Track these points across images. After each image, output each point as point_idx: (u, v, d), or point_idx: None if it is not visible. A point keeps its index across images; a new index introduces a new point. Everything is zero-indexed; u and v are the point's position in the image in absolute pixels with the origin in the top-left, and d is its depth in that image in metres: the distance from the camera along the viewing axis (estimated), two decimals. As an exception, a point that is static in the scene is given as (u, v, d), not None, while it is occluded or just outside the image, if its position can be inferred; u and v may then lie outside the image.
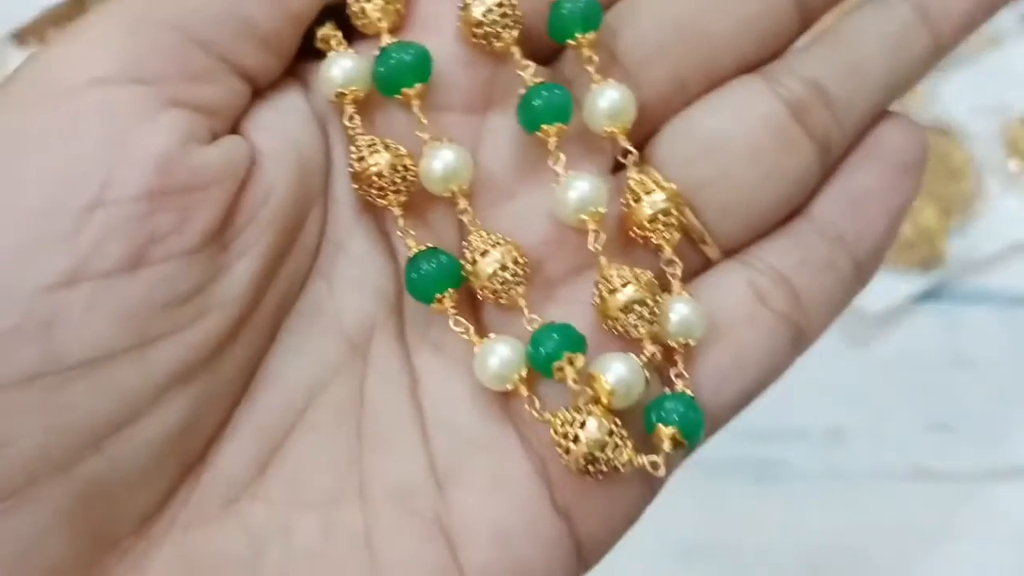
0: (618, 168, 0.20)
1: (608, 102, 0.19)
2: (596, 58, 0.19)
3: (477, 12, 0.18)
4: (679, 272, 0.19)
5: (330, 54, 0.19)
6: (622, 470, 0.17)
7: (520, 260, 0.18)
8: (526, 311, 0.18)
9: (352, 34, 0.20)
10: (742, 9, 0.19)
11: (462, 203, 0.18)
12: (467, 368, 0.19)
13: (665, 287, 0.19)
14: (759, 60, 0.20)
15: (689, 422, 0.17)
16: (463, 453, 0.19)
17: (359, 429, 0.19)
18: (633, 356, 0.18)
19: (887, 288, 0.43)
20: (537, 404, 0.18)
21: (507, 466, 0.18)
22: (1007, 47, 0.52)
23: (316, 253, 0.19)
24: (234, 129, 0.19)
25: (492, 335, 0.18)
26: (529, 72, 0.19)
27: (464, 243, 0.18)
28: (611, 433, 0.17)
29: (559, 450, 0.17)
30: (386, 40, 0.19)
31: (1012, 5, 0.54)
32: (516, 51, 0.19)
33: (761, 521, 0.37)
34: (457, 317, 0.18)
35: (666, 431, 0.17)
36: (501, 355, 0.18)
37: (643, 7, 0.20)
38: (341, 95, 0.18)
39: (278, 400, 0.18)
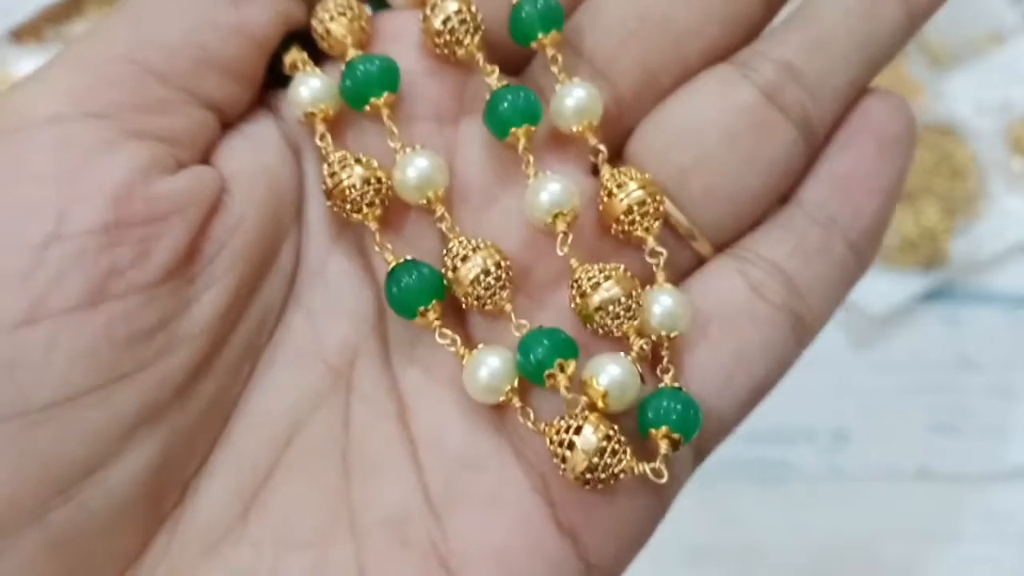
0: (597, 171, 0.20)
1: (574, 100, 0.18)
2: (560, 57, 0.19)
3: (437, 22, 0.18)
4: (662, 262, 0.19)
5: (297, 75, 0.18)
6: (622, 477, 0.16)
7: (503, 263, 0.17)
8: (513, 317, 0.18)
9: (320, 58, 0.19)
10: None
11: (439, 210, 0.18)
12: (456, 385, 0.18)
13: (652, 280, 0.19)
14: (728, 48, 0.20)
15: (680, 416, 0.16)
16: (457, 476, 0.17)
17: (345, 460, 0.18)
18: (624, 356, 0.17)
19: (890, 288, 0.43)
20: (531, 415, 0.17)
21: (504, 486, 0.17)
22: (1011, 46, 0.52)
23: (292, 281, 0.19)
24: (204, 159, 0.18)
25: (480, 346, 0.17)
26: (494, 77, 0.19)
27: (444, 251, 0.18)
28: (608, 438, 0.16)
29: (556, 460, 0.16)
30: (352, 55, 0.18)
31: (1016, 3, 0.54)
32: (480, 56, 0.18)
33: (766, 522, 0.37)
34: (442, 330, 0.18)
35: (659, 432, 0.16)
36: (490, 366, 0.17)
37: (607, 3, 0.19)
38: (311, 115, 0.18)
39: (258, 436, 0.18)
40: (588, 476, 0.16)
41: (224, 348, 0.18)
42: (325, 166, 0.18)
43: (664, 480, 0.16)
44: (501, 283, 0.17)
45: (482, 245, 0.17)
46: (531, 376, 0.17)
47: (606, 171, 0.19)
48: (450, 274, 0.17)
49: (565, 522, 0.17)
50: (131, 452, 0.16)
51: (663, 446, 0.16)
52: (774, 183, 0.19)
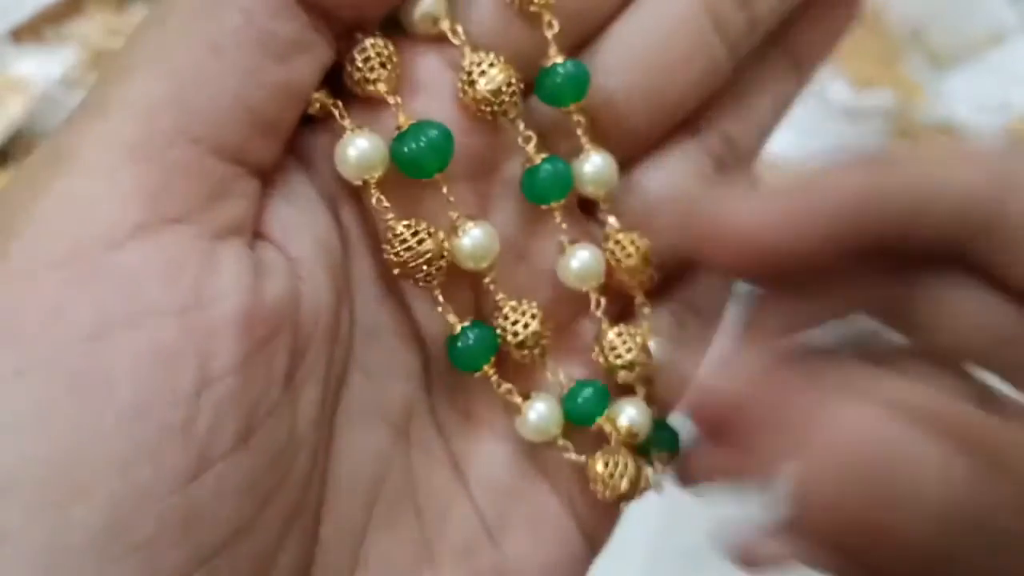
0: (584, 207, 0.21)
1: (592, 167, 0.20)
2: (584, 121, 0.19)
3: (484, 90, 0.18)
4: (647, 313, 0.21)
5: (346, 137, 0.18)
6: (639, 496, 0.20)
7: (546, 327, 0.19)
8: (558, 373, 0.20)
9: (339, 94, 0.19)
10: None
11: (489, 277, 0.19)
12: (495, 426, 0.20)
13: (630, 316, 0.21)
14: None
15: (672, 443, 0.20)
16: (506, 506, 0.20)
17: (416, 507, 0.19)
18: (639, 400, 0.20)
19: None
20: (571, 448, 0.20)
21: (544, 509, 0.20)
22: (1009, 46, 0.52)
23: (350, 344, 0.18)
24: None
25: (533, 395, 0.20)
26: (531, 146, 0.19)
27: (498, 314, 0.19)
28: (638, 469, 0.20)
29: (600, 487, 0.19)
30: (402, 120, 0.18)
31: (1015, 3, 0.54)
32: (520, 124, 0.19)
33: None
34: (501, 380, 0.19)
35: (660, 456, 0.20)
36: (539, 411, 0.19)
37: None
38: (366, 182, 0.18)
39: (349, 502, 0.18)
40: (625, 496, 0.20)
41: (320, 430, 0.18)
42: (392, 236, 0.18)
43: (662, 492, 0.20)
44: (545, 343, 0.19)
45: (535, 312, 0.19)
46: (580, 420, 0.20)
47: (612, 239, 0.20)
48: (510, 338, 0.19)
49: (588, 529, 0.20)
50: (286, 555, 0.16)
51: (659, 467, 0.20)
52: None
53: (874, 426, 0.14)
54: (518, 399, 0.19)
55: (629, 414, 0.20)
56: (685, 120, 0.20)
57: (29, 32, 0.51)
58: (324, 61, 0.17)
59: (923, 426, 0.14)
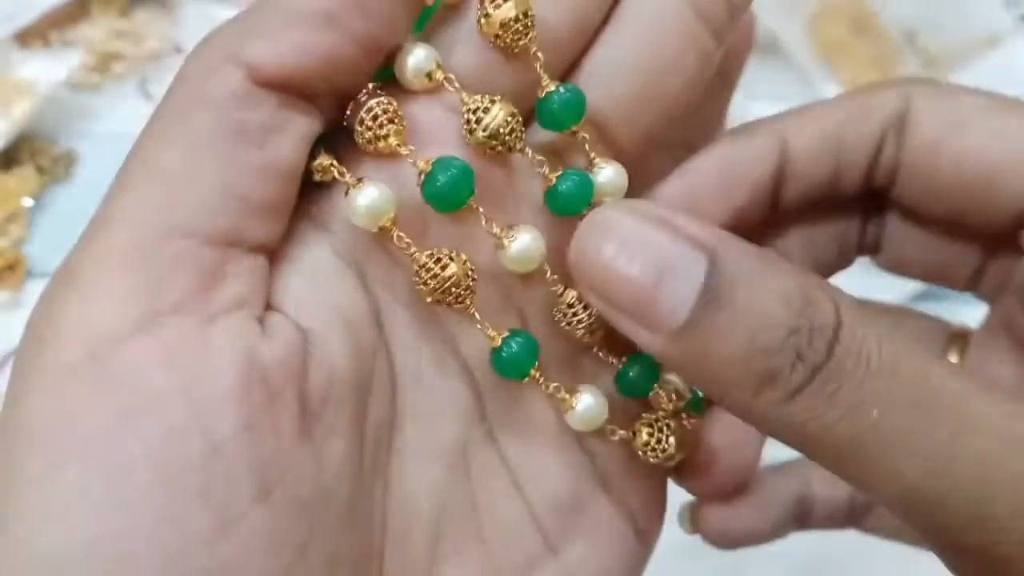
0: None
1: (606, 179, 0.20)
2: (587, 137, 0.20)
3: (491, 129, 0.19)
4: None
5: (352, 190, 0.18)
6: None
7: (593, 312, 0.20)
8: (608, 357, 0.21)
9: (337, 150, 0.19)
10: None
11: (549, 274, 0.20)
12: (550, 437, 0.21)
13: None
14: None
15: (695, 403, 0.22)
16: (565, 517, 0.21)
17: (480, 535, 0.20)
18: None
19: (886, 286, 0.44)
20: (615, 431, 0.21)
21: (599, 513, 0.21)
22: (1006, 47, 0.52)
23: (394, 392, 0.19)
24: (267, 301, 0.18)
25: (581, 387, 0.21)
26: (545, 168, 0.20)
27: (556, 309, 0.20)
28: (682, 427, 0.21)
29: (651, 453, 0.21)
30: (422, 164, 0.18)
31: (1011, 6, 0.54)
32: (529, 152, 0.19)
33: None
34: (548, 383, 0.20)
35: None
36: (587, 403, 0.20)
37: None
38: (385, 228, 0.18)
39: (412, 542, 0.19)
40: (674, 456, 0.21)
41: (359, 478, 0.18)
42: (418, 268, 0.18)
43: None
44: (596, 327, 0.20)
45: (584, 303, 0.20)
46: (635, 393, 0.21)
47: None
48: (569, 325, 0.20)
49: (640, 527, 0.21)
50: None
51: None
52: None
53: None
54: (566, 395, 0.20)
55: (674, 382, 0.21)
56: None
57: (35, 35, 0.51)
58: (307, 132, 0.18)
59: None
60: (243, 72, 0.17)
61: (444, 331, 0.20)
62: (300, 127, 0.17)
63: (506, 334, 0.19)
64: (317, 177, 0.18)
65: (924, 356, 0.17)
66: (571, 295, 0.20)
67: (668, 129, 0.21)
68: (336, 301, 0.18)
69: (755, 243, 0.23)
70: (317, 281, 0.18)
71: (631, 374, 0.21)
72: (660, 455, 0.21)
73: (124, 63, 0.51)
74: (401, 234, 0.18)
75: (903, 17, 0.54)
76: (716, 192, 0.22)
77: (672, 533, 0.34)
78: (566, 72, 0.20)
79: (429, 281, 0.18)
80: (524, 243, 0.19)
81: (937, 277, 0.25)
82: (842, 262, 0.25)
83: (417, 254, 0.18)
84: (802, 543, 0.37)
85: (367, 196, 0.18)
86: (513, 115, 0.19)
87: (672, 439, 0.21)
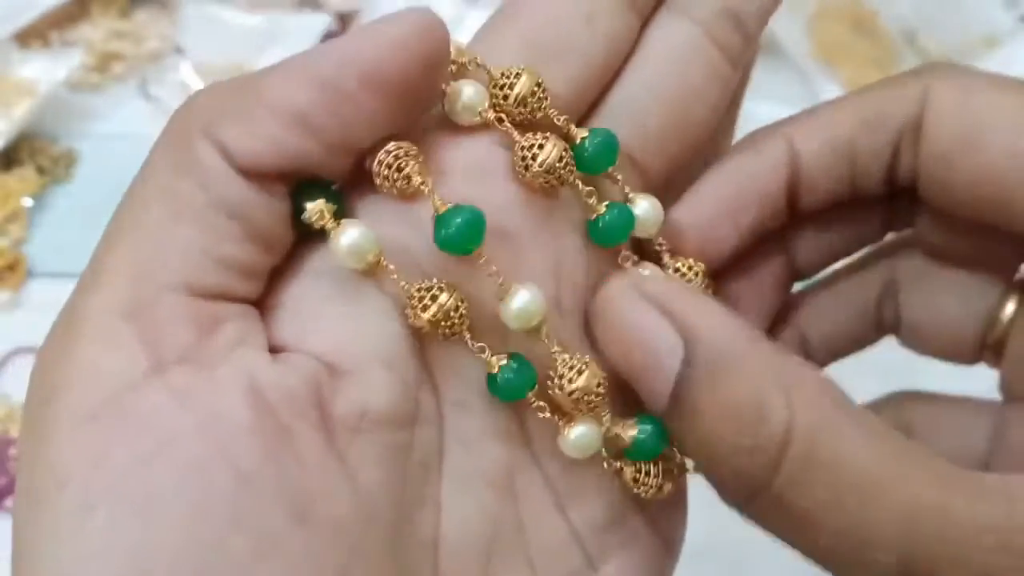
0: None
1: (642, 211, 0.21)
2: (620, 177, 0.21)
3: (545, 166, 0.19)
4: None
5: (339, 232, 0.18)
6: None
7: (603, 380, 0.20)
8: (606, 420, 0.21)
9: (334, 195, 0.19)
10: None
11: (544, 330, 0.20)
12: (595, 469, 0.21)
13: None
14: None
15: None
16: (604, 536, 0.21)
17: (528, 558, 0.20)
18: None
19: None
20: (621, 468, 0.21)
21: (634, 530, 0.21)
22: (1005, 48, 0.52)
23: (440, 417, 0.20)
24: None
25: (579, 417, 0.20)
26: (593, 199, 0.20)
27: (553, 371, 0.20)
28: (657, 464, 0.21)
29: (641, 488, 0.21)
30: (438, 203, 0.19)
31: (1011, 7, 0.54)
32: (580, 184, 0.20)
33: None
34: (545, 406, 0.20)
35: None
36: (580, 431, 0.20)
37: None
38: (374, 264, 0.19)
39: (467, 566, 0.19)
40: (661, 488, 0.21)
41: (403, 505, 0.18)
42: (408, 300, 0.19)
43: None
44: (600, 398, 0.20)
45: (584, 366, 0.20)
46: (646, 456, 0.21)
47: (671, 267, 0.22)
48: (560, 389, 0.20)
49: (666, 536, 0.22)
50: None
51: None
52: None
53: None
54: (560, 422, 0.20)
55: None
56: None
57: (35, 35, 0.51)
58: (284, 206, 0.18)
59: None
60: (218, 151, 0.17)
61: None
62: (276, 203, 0.18)
63: (504, 362, 0.20)
64: (315, 225, 0.19)
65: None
66: (563, 361, 0.20)
67: (692, 154, 0.22)
68: (374, 336, 0.19)
69: (776, 244, 0.24)
70: (354, 317, 0.19)
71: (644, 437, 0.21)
72: (650, 490, 0.21)
73: (124, 63, 0.51)
74: (391, 266, 0.19)
75: (903, 17, 0.54)
76: (727, 214, 0.22)
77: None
78: (594, 104, 0.21)
79: (420, 314, 0.18)
80: (523, 300, 0.19)
81: (973, 264, 0.24)
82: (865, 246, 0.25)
83: (407, 286, 0.19)
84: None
85: (348, 237, 0.18)
86: (565, 150, 0.20)
87: (654, 478, 0.21)
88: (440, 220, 0.19)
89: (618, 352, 0.19)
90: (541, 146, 0.19)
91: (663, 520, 0.22)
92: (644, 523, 0.22)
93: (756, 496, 0.18)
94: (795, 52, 0.52)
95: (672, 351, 0.18)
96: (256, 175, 0.18)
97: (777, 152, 0.22)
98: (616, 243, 0.21)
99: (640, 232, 0.21)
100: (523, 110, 0.20)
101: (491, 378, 0.20)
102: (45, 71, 0.49)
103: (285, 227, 0.18)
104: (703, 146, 0.22)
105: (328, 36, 0.55)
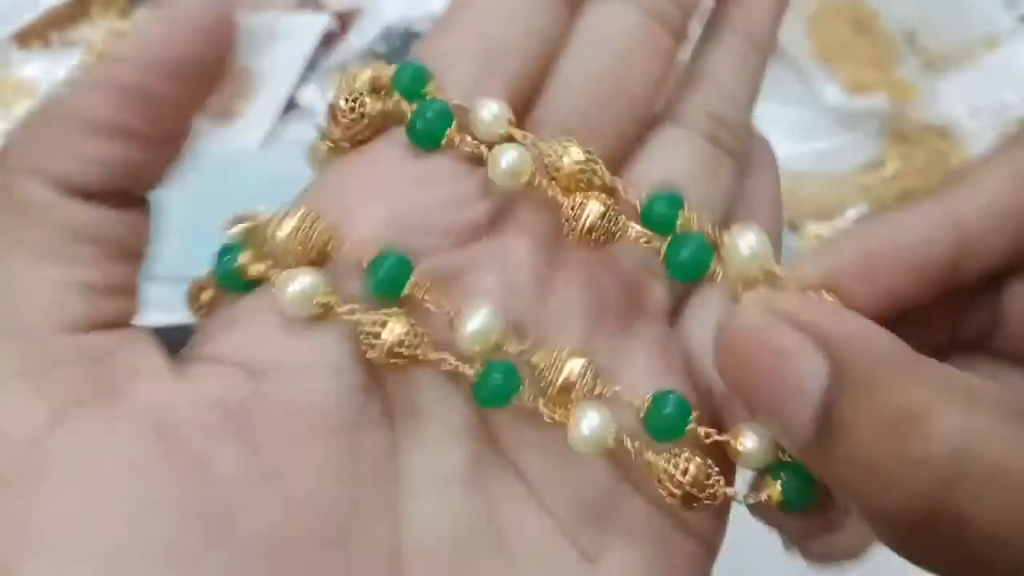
0: None
1: (747, 248, 0.20)
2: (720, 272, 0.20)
3: (590, 223, 0.20)
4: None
5: (284, 283, 0.19)
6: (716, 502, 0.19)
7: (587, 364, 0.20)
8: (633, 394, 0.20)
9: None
10: None
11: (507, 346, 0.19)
12: (563, 444, 0.20)
13: None
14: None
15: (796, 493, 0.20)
16: (597, 522, 0.20)
17: (509, 554, 0.20)
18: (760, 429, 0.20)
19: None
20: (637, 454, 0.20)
21: (633, 514, 0.20)
22: (1005, 48, 0.52)
23: (392, 427, 0.20)
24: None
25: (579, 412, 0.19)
26: (656, 243, 0.20)
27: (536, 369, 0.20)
28: (706, 473, 0.19)
29: (667, 486, 0.19)
30: (364, 259, 0.19)
31: (1011, 7, 0.55)
32: (632, 232, 0.20)
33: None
34: (545, 404, 0.20)
35: (775, 491, 0.19)
36: (592, 424, 0.19)
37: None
38: (326, 306, 0.19)
39: (437, 569, 0.19)
40: (690, 498, 0.19)
41: (353, 512, 0.18)
42: (359, 333, 0.19)
43: (749, 501, 0.20)
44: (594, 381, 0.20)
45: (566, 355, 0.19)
46: (664, 435, 0.19)
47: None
48: (550, 384, 0.19)
49: (690, 526, 0.20)
50: None
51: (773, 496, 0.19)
52: (729, 206, 0.23)
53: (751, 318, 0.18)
54: (565, 419, 0.19)
55: (751, 439, 0.19)
56: (663, 114, 0.23)
57: (35, 36, 0.51)
58: (140, 211, 0.19)
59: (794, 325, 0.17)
60: (48, 183, 0.17)
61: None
62: (123, 214, 0.18)
63: (479, 367, 0.19)
64: (253, 276, 0.19)
65: None
66: (543, 357, 0.20)
67: (679, 109, 0.22)
68: (315, 346, 0.19)
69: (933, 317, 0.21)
70: (294, 328, 0.19)
71: (663, 412, 0.19)
72: (673, 493, 0.19)
73: (124, 63, 0.51)
74: (349, 307, 0.19)
75: (903, 17, 0.54)
76: (863, 273, 0.20)
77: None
78: (534, 90, 0.21)
79: (374, 344, 0.19)
80: (476, 324, 0.19)
81: None
82: None
83: (361, 317, 0.19)
84: (802, 543, 0.37)
85: (296, 286, 0.19)
86: (607, 205, 0.20)
87: (688, 480, 0.19)
88: (368, 270, 0.19)
89: (751, 379, 0.17)
90: (583, 205, 0.20)
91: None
92: (651, 509, 0.20)
93: (930, 521, 0.15)
94: (795, 52, 0.52)
95: (815, 369, 0.16)
96: (93, 194, 0.18)
97: (933, 212, 0.20)
98: (698, 277, 0.20)
99: (750, 269, 0.20)
100: (577, 179, 0.20)
101: (477, 387, 0.19)
102: (45, 71, 0.49)
103: (141, 236, 0.19)
104: (648, 119, 0.22)
105: (328, 36, 0.55)
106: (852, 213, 0.48)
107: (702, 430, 0.19)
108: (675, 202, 0.20)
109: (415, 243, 0.19)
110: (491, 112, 0.20)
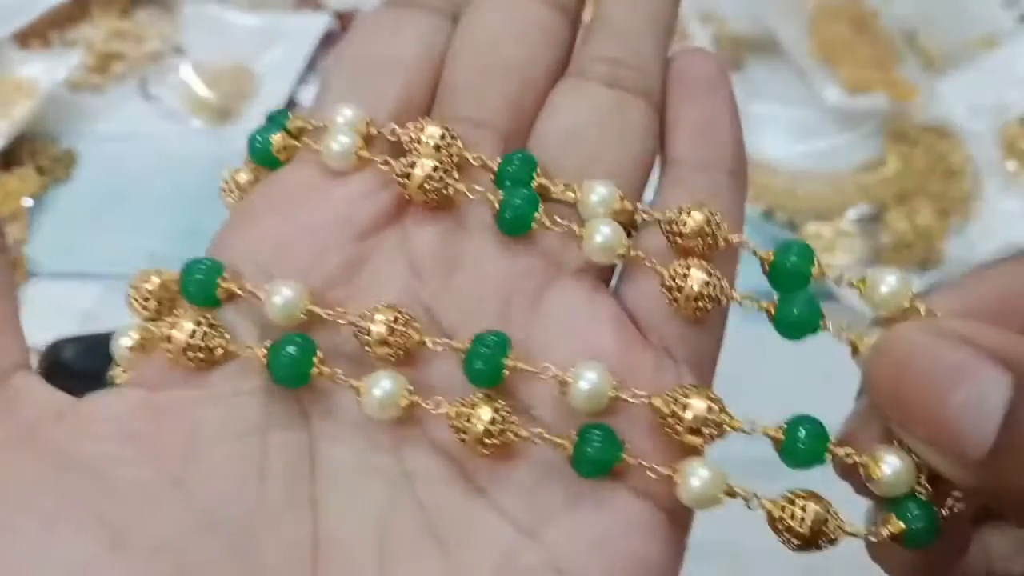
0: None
1: (886, 291, 0.20)
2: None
3: (695, 291, 0.20)
4: None
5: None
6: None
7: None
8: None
9: None
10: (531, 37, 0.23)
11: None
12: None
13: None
14: (557, 60, 0.24)
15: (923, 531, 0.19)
16: (537, 499, 0.19)
17: (437, 537, 0.19)
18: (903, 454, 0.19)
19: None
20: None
21: (579, 487, 0.19)
22: (1005, 48, 0.52)
23: (308, 423, 0.20)
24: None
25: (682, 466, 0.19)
26: (762, 303, 0.20)
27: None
28: (828, 512, 0.19)
29: (786, 535, 0.19)
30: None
31: (1010, 7, 0.55)
32: (736, 295, 0.20)
33: (763, 521, 0.37)
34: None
35: (896, 527, 0.19)
36: (702, 476, 0.19)
37: (458, 70, 0.23)
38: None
39: (361, 560, 0.19)
40: (809, 542, 0.19)
41: (263, 511, 0.19)
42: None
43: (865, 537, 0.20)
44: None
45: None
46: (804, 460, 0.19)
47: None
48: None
49: (647, 494, 0.19)
50: None
51: (891, 529, 0.19)
52: (649, 146, 0.23)
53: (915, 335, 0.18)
54: (668, 471, 0.19)
55: (892, 464, 0.19)
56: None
57: (35, 36, 0.51)
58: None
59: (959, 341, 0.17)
60: None
61: (341, 345, 0.20)
62: None
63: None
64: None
65: None
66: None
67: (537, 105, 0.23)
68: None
69: None
70: (230, 409, 0.20)
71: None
72: (795, 543, 0.19)
73: (124, 63, 0.51)
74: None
75: (903, 17, 0.54)
76: (996, 313, 0.20)
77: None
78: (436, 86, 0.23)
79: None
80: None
81: None
82: None
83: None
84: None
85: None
86: (710, 273, 0.20)
87: (807, 525, 0.19)
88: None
89: (917, 397, 0.17)
90: (685, 276, 0.20)
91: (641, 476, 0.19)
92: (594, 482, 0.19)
93: None
94: (795, 52, 0.52)
95: (998, 383, 0.16)
96: None
97: None
98: (808, 335, 0.20)
99: (885, 310, 0.20)
100: (701, 242, 0.20)
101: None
102: (45, 71, 0.49)
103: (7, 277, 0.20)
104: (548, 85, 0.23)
105: (328, 36, 0.55)
106: (852, 213, 0.48)
107: (842, 451, 0.19)
108: (806, 253, 0.20)
109: (316, 242, 0.20)
110: (345, 117, 0.21)
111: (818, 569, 0.37)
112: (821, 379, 0.40)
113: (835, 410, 0.23)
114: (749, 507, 0.19)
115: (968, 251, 0.46)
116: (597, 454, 0.18)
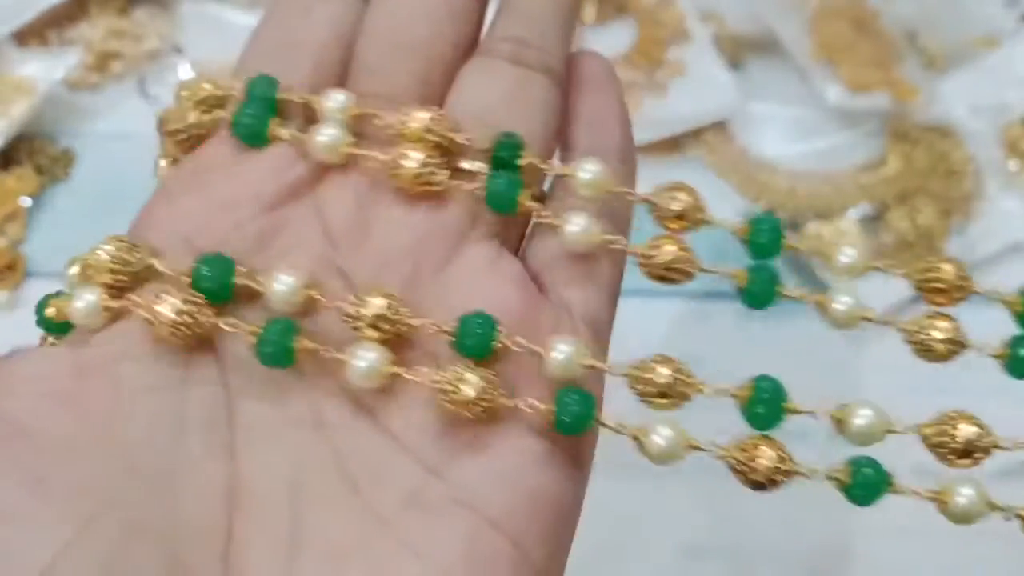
0: None
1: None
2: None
3: (662, 262, 0.22)
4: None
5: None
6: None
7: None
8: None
9: None
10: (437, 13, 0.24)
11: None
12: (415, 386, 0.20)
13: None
14: (467, 35, 0.25)
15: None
16: (440, 439, 0.20)
17: (350, 481, 0.20)
18: None
19: (886, 288, 0.44)
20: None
21: (482, 429, 0.20)
22: (1006, 47, 0.52)
23: (225, 378, 0.21)
24: None
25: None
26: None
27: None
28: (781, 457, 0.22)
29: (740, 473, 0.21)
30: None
31: (1011, 6, 0.54)
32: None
33: (763, 521, 0.37)
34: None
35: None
36: (665, 435, 0.21)
37: (368, 49, 0.24)
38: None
39: (277, 509, 0.20)
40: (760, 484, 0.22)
41: (180, 455, 0.20)
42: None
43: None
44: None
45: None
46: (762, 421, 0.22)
47: None
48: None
49: (543, 430, 0.21)
50: None
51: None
52: (552, 121, 0.24)
53: None
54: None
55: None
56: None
57: (33, 35, 0.51)
58: None
59: None
60: None
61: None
62: None
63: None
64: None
65: None
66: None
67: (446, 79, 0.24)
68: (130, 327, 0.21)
69: None
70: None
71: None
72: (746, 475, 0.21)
73: (123, 63, 0.51)
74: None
75: (904, 17, 0.54)
76: None
77: (677, 535, 0.34)
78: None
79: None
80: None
81: None
82: None
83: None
84: (804, 542, 0.37)
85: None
86: (682, 248, 0.22)
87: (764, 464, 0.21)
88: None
89: None
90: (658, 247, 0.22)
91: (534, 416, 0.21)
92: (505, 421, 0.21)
93: None
94: (795, 52, 0.52)
95: None
96: None
97: None
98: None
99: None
100: (685, 222, 0.22)
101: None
102: (43, 70, 0.49)
103: None
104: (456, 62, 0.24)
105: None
106: (853, 213, 0.48)
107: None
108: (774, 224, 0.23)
109: (231, 216, 0.21)
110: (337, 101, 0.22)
111: (820, 569, 0.37)
112: (821, 379, 0.40)
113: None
114: (715, 458, 0.21)
115: (969, 251, 0.46)
116: (578, 412, 0.20)
